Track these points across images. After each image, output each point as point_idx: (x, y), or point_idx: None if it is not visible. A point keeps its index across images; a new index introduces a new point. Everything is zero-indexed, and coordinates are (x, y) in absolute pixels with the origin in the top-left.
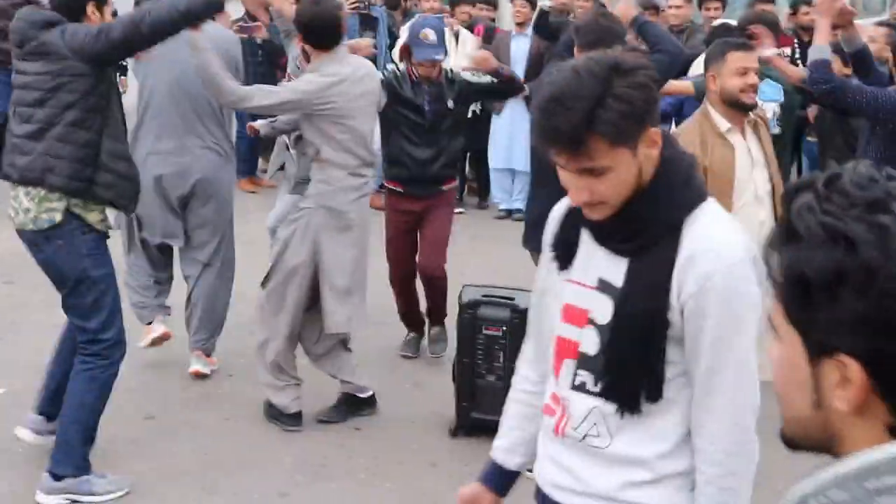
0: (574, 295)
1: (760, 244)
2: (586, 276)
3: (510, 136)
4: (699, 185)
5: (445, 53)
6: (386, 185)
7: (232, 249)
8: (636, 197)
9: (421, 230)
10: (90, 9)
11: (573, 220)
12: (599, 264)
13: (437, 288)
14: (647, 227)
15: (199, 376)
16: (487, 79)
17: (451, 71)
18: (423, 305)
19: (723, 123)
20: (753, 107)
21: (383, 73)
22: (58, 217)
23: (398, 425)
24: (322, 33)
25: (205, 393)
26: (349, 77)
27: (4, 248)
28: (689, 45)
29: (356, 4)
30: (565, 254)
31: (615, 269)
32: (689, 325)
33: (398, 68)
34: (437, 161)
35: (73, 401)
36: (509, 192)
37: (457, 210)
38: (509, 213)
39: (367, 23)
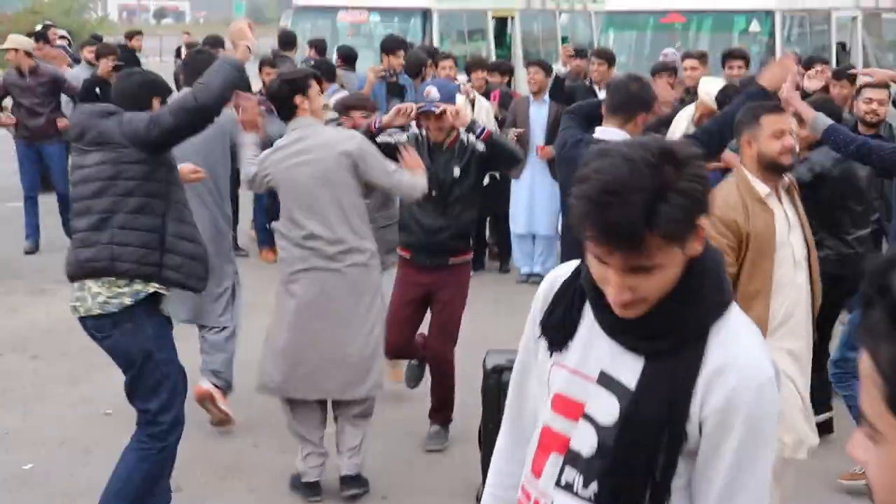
0: (567, 383)
1: (799, 309)
2: (585, 365)
3: (530, 200)
4: (728, 287)
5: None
6: (398, 251)
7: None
8: (667, 294)
9: (432, 309)
10: (155, 103)
11: (574, 299)
12: (602, 355)
13: (443, 375)
14: (674, 330)
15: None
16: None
17: (468, 140)
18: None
19: (762, 188)
20: (790, 168)
21: (407, 137)
22: (127, 301)
23: (425, 493)
24: (278, 107)
25: (231, 463)
26: (286, 146)
27: (30, 323)
28: None
29: (382, 73)
30: (561, 335)
31: (625, 365)
32: (708, 441)
33: (420, 133)
34: (446, 231)
35: (121, 475)
36: (531, 256)
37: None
38: (530, 277)
39: (394, 90)
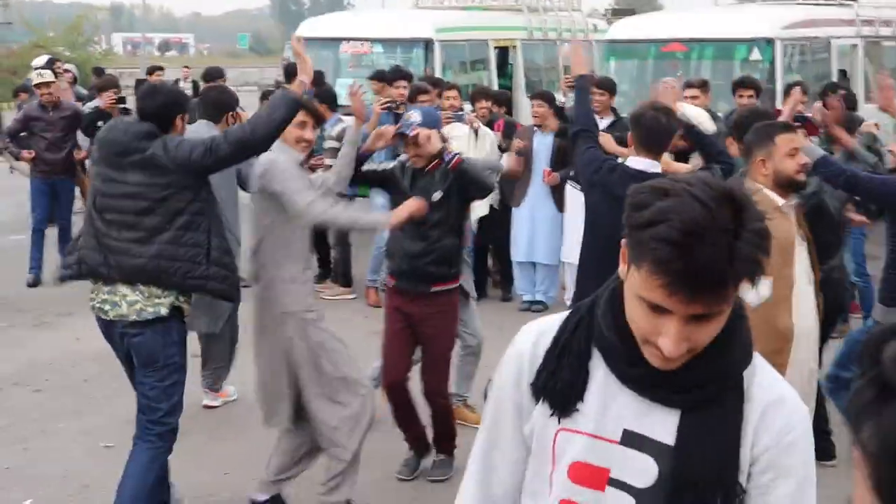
0: (586, 450)
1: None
2: (603, 428)
3: (531, 228)
4: (751, 332)
5: (435, 124)
6: (387, 278)
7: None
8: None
9: (421, 344)
10: (178, 120)
11: (580, 355)
12: (623, 413)
13: (439, 410)
14: (715, 378)
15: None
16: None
17: (450, 163)
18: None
19: (778, 199)
20: (805, 186)
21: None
22: (163, 311)
23: None
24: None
25: None
26: None
27: (34, 357)
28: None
29: (387, 104)
30: (569, 398)
31: (656, 421)
32: (759, 480)
33: (407, 161)
34: (427, 256)
35: (135, 482)
36: (532, 284)
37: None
38: (532, 305)
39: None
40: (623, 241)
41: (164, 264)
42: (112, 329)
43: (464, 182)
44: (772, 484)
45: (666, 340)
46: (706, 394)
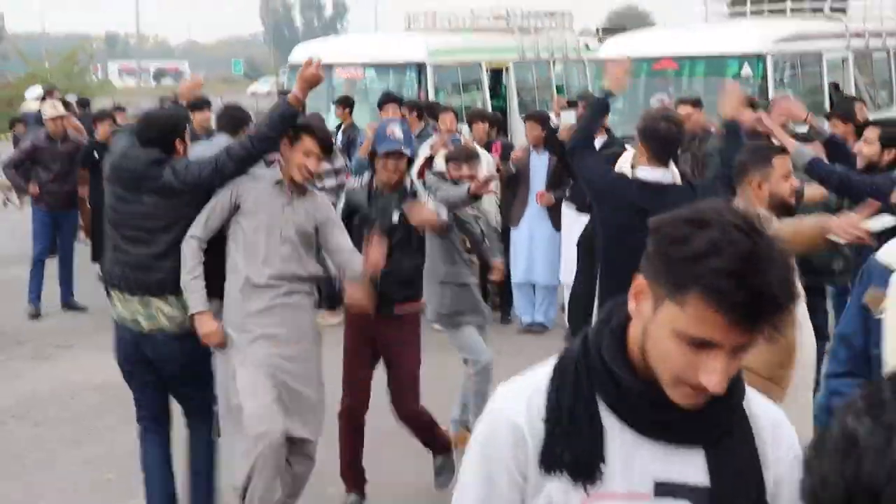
0: None
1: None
2: (630, 482)
3: (530, 249)
4: None
5: (411, 151)
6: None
7: None
8: None
9: (387, 368)
10: (178, 143)
11: (591, 416)
12: (647, 463)
13: (419, 426)
14: (734, 409)
15: None
16: (440, 209)
17: (411, 186)
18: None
19: (774, 220)
20: (794, 209)
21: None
22: None
23: None
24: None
25: None
26: None
27: (32, 390)
28: (703, 150)
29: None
30: (593, 464)
31: (684, 463)
32: (778, 499)
33: (361, 183)
34: (387, 277)
35: (203, 466)
36: (532, 305)
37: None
38: (532, 326)
39: None
40: (641, 278)
41: (179, 277)
42: (144, 341)
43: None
44: (789, 498)
45: (713, 376)
46: (727, 425)
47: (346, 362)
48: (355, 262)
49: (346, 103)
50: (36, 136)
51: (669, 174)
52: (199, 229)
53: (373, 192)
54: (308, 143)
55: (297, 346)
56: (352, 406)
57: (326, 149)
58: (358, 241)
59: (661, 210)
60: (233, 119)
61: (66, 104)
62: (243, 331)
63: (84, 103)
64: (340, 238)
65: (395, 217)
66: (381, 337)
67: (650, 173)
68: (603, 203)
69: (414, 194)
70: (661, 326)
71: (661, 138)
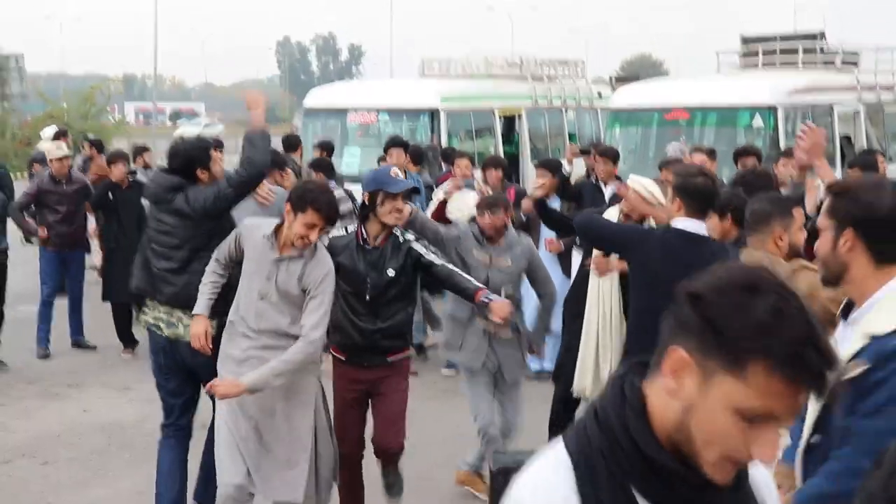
0: None
1: None
2: None
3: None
4: None
5: (417, 192)
6: (331, 351)
7: None
8: None
9: (373, 405)
10: (199, 172)
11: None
12: None
13: (396, 457)
14: (745, 476)
15: None
16: (435, 258)
17: (403, 237)
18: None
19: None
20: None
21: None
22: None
23: None
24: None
25: None
26: None
27: (40, 430)
28: None
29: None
30: None
31: None
32: None
33: (347, 231)
34: (382, 332)
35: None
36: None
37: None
38: (540, 374)
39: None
40: (681, 351)
41: (193, 292)
42: (175, 347)
43: (418, 232)
44: None
45: (768, 449)
46: (748, 492)
47: (339, 412)
48: (295, 347)
49: (325, 147)
50: (40, 177)
51: (704, 227)
52: (217, 251)
53: (360, 243)
54: (313, 216)
55: (271, 399)
56: (350, 454)
57: (331, 221)
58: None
59: (697, 260)
60: (274, 163)
61: (92, 144)
62: (220, 371)
63: (97, 144)
64: (311, 315)
65: (391, 272)
66: (373, 382)
67: (688, 224)
68: (635, 249)
69: (405, 243)
70: (713, 403)
71: (699, 192)
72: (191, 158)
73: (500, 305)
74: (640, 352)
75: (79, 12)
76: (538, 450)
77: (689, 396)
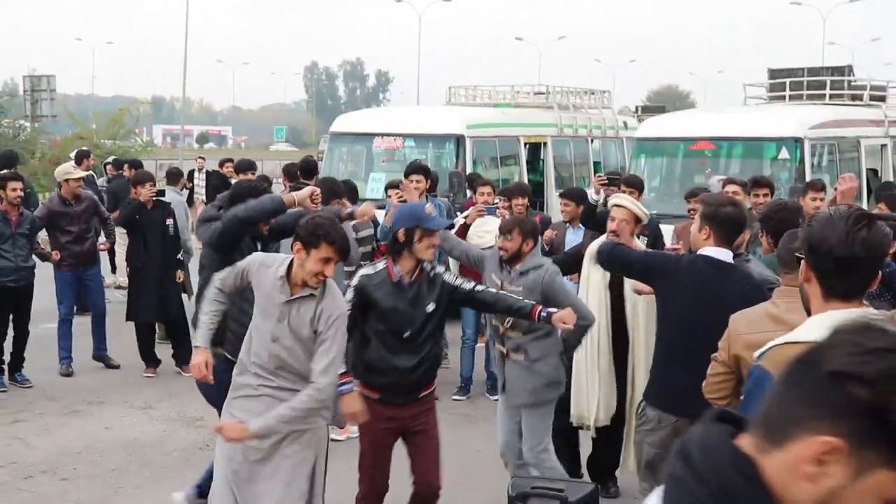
0: None
1: None
2: None
3: None
4: None
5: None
6: (361, 390)
7: None
8: None
9: (412, 444)
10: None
11: None
12: None
13: (434, 498)
14: None
15: None
16: (471, 285)
17: (434, 269)
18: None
19: None
20: None
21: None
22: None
23: None
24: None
25: None
26: None
27: (61, 446)
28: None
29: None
30: None
31: None
32: None
33: (375, 268)
34: (420, 368)
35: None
36: None
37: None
38: None
39: None
40: (831, 438)
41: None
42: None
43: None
44: None
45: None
46: None
47: (370, 451)
48: (303, 394)
49: (406, 174)
50: (50, 200)
51: (731, 255)
52: (221, 281)
53: (394, 280)
54: (326, 250)
55: (271, 444)
56: (379, 492)
57: (345, 254)
58: (369, 336)
59: (725, 288)
60: (330, 192)
61: (131, 165)
62: (229, 405)
63: (136, 165)
64: (320, 360)
65: (430, 307)
66: (408, 419)
67: (718, 253)
68: (664, 279)
69: (436, 276)
70: (863, 494)
71: (729, 221)
72: (242, 196)
73: (561, 315)
74: (668, 381)
75: (110, 35)
76: (555, 479)
77: (835, 485)
